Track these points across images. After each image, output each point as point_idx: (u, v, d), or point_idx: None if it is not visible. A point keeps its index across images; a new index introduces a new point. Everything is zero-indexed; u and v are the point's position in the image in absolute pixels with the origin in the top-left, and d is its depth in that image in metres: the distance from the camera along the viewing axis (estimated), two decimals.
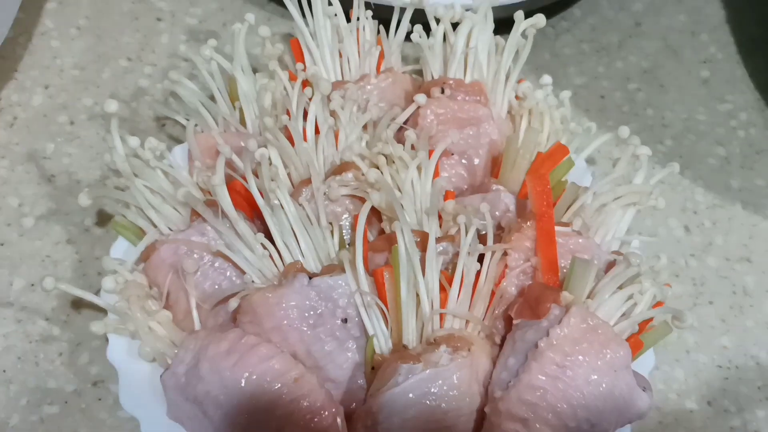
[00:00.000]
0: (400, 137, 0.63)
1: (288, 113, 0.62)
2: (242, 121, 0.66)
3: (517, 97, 0.69)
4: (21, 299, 0.63)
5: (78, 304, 0.63)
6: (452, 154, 0.65)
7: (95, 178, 0.71)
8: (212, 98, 0.67)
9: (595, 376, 0.50)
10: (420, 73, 0.72)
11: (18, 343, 0.61)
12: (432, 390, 0.50)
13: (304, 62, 0.68)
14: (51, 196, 0.69)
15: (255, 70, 0.68)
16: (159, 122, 0.75)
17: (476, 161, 0.65)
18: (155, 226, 0.59)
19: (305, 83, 0.63)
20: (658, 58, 0.87)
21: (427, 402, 0.50)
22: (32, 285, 0.64)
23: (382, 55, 0.70)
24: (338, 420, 0.51)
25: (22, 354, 0.60)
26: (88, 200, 0.59)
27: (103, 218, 0.68)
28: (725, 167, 0.78)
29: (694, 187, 0.77)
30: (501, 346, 0.54)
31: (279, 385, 0.50)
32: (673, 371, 0.65)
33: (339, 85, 0.66)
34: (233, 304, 0.53)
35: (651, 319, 0.57)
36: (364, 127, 0.64)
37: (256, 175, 0.56)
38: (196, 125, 0.65)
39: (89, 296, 0.55)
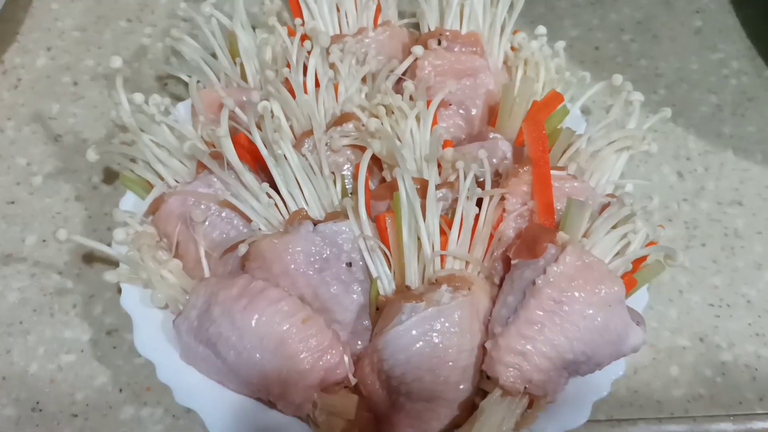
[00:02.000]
0: (398, 89, 0.64)
1: (289, 67, 0.63)
2: (243, 77, 0.67)
3: (512, 48, 0.71)
4: (34, 254, 0.65)
5: (90, 257, 0.65)
6: (450, 105, 0.66)
7: (101, 136, 0.72)
8: (214, 55, 0.68)
9: (591, 311, 0.52)
10: (417, 26, 0.73)
11: (33, 296, 0.63)
12: (434, 327, 0.52)
13: (302, 17, 0.69)
14: (58, 155, 0.71)
15: (254, 27, 0.69)
16: (161, 81, 0.76)
17: (473, 111, 0.67)
18: (162, 179, 0.60)
19: (304, 37, 0.64)
20: (652, 9, 0.88)
21: (430, 338, 0.52)
22: (44, 240, 0.66)
23: (379, 9, 0.71)
24: (345, 358, 0.53)
25: (37, 306, 0.63)
26: (95, 156, 0.61)
27: (110, 175, 0.70)
28: (717, 115, 0.80)
29: (686, 134, 0.78)
30: (500, 286, 0.56)
31: (288, 325, 0.52)
32: (667, 310, 0.67)
33: (338, 38, 0.67)
34: (242, 249, 0.54)
35: (644, 258, 0.59)
36: (363, 79, 0.65)
37: (259, 128, 0.58)
38: (198, 81, 0.66)
39: (102, 247, 0.57)
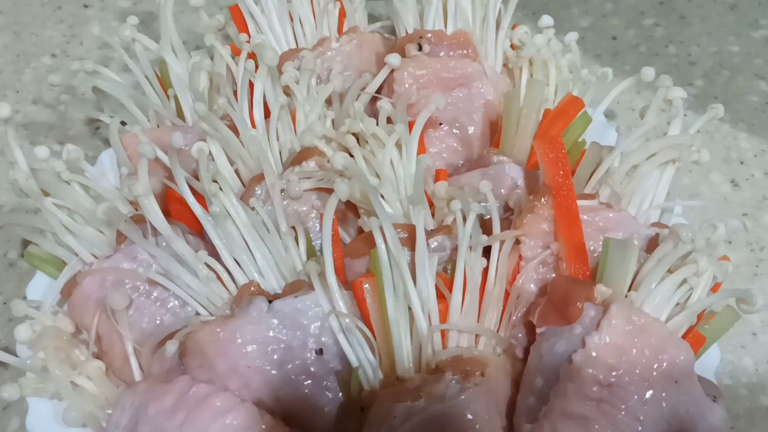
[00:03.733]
0: (373, 111, 0.51)
1: (235, 95, 0.50)
2: (180, 113, 0.54)
3: (512, 46, 0.58)
4: None
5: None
6: (440, 124, 0.53)
7: (17, 202, 0.59)
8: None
9: (652, 392, 0.39)
10: (392, 30, 0.60)
11: None
12: None
13: (248, 32, 0.56)
14: None
15: (198, 48, 0.56)
16: (92, 125, 0.64)
17: (470, 129, 0.53)
18: (76, 254, 0.47)
19: (252, 56, 0.51)
20: None
21: None
22: None
23: (343, 14, 0.58)
24: None
25: None
26: None
27: None
28: None
29: (736, 132, 0.65)
30: (524, 359, 0.42)
31: None
32: (740, 361, 0.54)
33: (292, 54, 0.54)
34: (171, 347, 0.41)
35: None
36: (328, 102, 0.52)
37: (197, 177, 0.45)
38: (124, 123, 0.53)
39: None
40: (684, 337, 0.42)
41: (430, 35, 0.55)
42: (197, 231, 0.48)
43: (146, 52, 0.55)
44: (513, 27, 0.58)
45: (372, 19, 0.64)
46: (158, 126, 0.54)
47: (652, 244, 0.45)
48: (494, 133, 0.54)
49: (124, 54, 0.54)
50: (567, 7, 0.73)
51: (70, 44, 0.69)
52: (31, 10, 0.72)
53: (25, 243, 0.57)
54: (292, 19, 0.57)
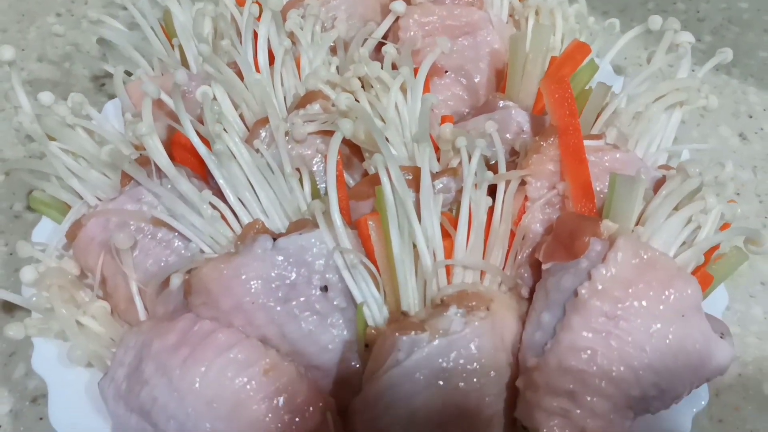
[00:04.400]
0: (378, 58, 0.50)
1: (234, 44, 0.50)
2: (184, 61, 0.54)
3: None
4: None
5: (9, 306, 0.53)
6: (446, 71, 0.53)
7: (23, 154, 0.59)
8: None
9: (659, 325, 0.39)
10: None
11: None
12: (444, 366, 0.39)
13: None
14: None
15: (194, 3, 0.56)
16: (97, 82, 0.64)
17: (476, 78, 0.53)
18: (80, 197, 0.47)
19: (255, 3, 0.51)
20: None
21: (441, 382, 0.38)
22: None
23: None
24: (328, 416, 0.39)
25: None
26: (0, 175, 0.47)
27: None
28: None
29: (745, 86, 0.65)
30: (530, 298, 0.42)
31: (245, 379, 0.39)
32: (749, 309, 0.54)
33: (296, 2, 0.53)
34: (175, 280, 0.41)
35: (717, 247, 0.44)
36: (333, 49, 0.52)
37: (201, 122, 0.44)
38: (129, 73, 0.53)
39: (3, 294, 0.43)
40: (692, 274, 0.42)
41: None
42: (201, 175, 0.48)
43: (151, 3, 0.55)
44: None
45: None
46: (162, 74, 0.54)
47: (658, 186, 0.44)
48: (500, 82, 0.53)
49: (129, 4, 0.54)
50: None
51: (74, 3, 0.69)
52: None
53: (31, 196, 0.57)
54: None
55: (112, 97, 0.62)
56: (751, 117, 0.62)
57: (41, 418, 0.48)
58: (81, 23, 0.67)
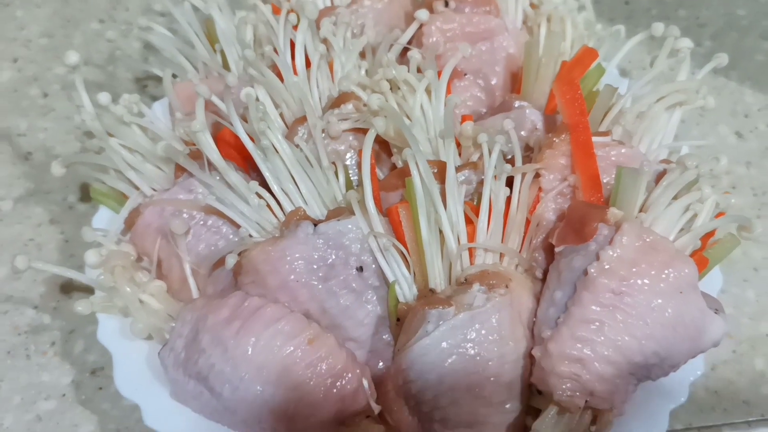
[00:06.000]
0: (403, 61, 0.55)
1: (275, 49, 0.55)
2: (226, 65, 0.59)
3: (532, 4, 0.61)
4: (5, 289, 0.57)
5: (68, 287, 0.57)
6: (465, 74, 0.57)
7: (75, 150, 0.64)
8: (192, 45, 0.60)
9: (660, 301, 0.43)
10: None
11: (6, 336, 0.55)
12: (469, 336, 0.43)
13: None
14: (28, 176, 0.63)
15: (235, 11, 0.61)
16: (140, 83, 0.69)
17: (493, 80, 0.58)
18: (138, 188, 0.52)
19: (291, 12, 0.56)
20: None
21: (465, 351, 0.43)
22: (17, 272, 0.57)
23: None
24: (364, 382, 0.45)
25: (11, 348, 0.55)
26: (62, 169, 0.53)
27: (87, 193, 0.62)
28: None
29: (742, 88, 0.69)
30: (544, 280, 0.47)
31: (291, 348, 0.43)
32: (743, 292, 0.58)
33: (329, 11, 0.58)
34: (230, 261, 0.46)
35: (713, 233, 0.49)
36: (362, 54, 0.57)
37: (245, 120, 0.49)
38: (175, 76, 0.58)
39: (72, 273, 0.49)
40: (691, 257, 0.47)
41: None
42: (243, 169, 0.52)
43: (193, 11, 0.60)
44: None
45: None
46: (206, 77, 0.59)
47: (660, 178, 0.49)
48: (515, 83, 0.58)
49: (175, 11, 0.59)
50: None
51: (115, 10, 0.74)
52: None
53: (83, 188, 0.62)
54: None
55: (154, 97, 0.67)
56: (747, 116, 0.66)
57: (100, 388, 0.53)
58: (122, 28, 0.72)
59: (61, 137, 0.65)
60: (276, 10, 0.59)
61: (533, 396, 0.45)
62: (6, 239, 0.59)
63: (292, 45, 0.55)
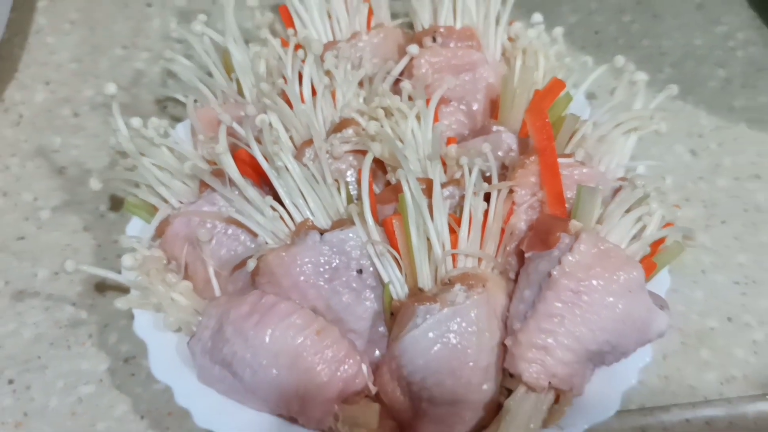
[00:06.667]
0: (396, 90, 0.63)
1: (284, 78, 0.63)
2: (240, 92, 0.67)
3: (509, 38, 0.69)
4: (46, 288, 0.65)
5: (101, 286, 0.65)
6: (450, 101, 0.65)
7: (104, 165, 0.72)
8: (209, 73, 0.68)
9: (611, 299, 0.51)
10: (411, 26, 0.72)
11: (48, 330, 0.63)
12: (451, 328, 0.51)
13: (294, 27, 0.68)
14: (63, 188, 0.71)
15: (247, 42, 0.69)
16: (160, 104, 0.76)
17: (475, 106, 0.65)
18: (166, 201, 0.60)
19: (298, 47, 0.64)
20: None
21: (448, 340, 0.51)
22: (56, 273, 0.66)
23: (371, 12, 0.70)
24: (363, 367, 0.52)
25: (54, 340, 0.62)
26: (99, 184, 0.61)
27: (116, 203, 0.69)
28: (727, 88, 0.78)
29: (697, 111, 0.77)
30: (516, 280, 0.55)
31: (302, 338, 0.51)
32: (692, 293, 0.65)
33: (331, 45, 0.66)
34: (251, 264, 0.54)
35: (663, 241, 0.57)
36: (360, 83, 0.65)
37: (258, 141, 0.57)
38: (195, 101, 0.66)
39: (111, 275, 0.56)
40: (640, 262, 0.55)
41: (442, 30, 0.67)
42: (257, 184, 0.60)
43: (211, 43, 0.68)
44: (510, 23, 0.70)
45: (393, 15, 0.75)
46: (224, 103, 0.67)
47: (616, 193, 0.57)
48: (494, 109, 0.66)
49: (196, 43, 0.67)
50: (559, 5, 0.85)
51: (137, 37, 0.81)
52: (102, 8, 0.84)
53: (113, 199, 0.70)
54: (330, 17, 0.69)
55: (174, 117, 0.75)
56: (700, 137, 0.75)
57: (132, 374, 0.61)
58: (143, 55, 0.80)
59: (92, 153, 0.73)
60: (284, 43, 0.67)
61: (506, 378, 0.52)
62: (46, 244, 0.67)
63: (300, 75, 0.63)
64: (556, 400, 0.51)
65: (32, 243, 0.67)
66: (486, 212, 0.56)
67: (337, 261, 0.54)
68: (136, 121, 0.60)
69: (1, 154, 0.73)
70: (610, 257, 0.51)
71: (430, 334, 0.51)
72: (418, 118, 0.60)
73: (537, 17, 0.69)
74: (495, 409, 0.52)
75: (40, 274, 0.66)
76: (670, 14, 0.84)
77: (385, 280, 0.54)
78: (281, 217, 0.56)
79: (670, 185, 0.57)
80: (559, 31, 0.69)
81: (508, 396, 0.51)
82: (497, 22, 0.69)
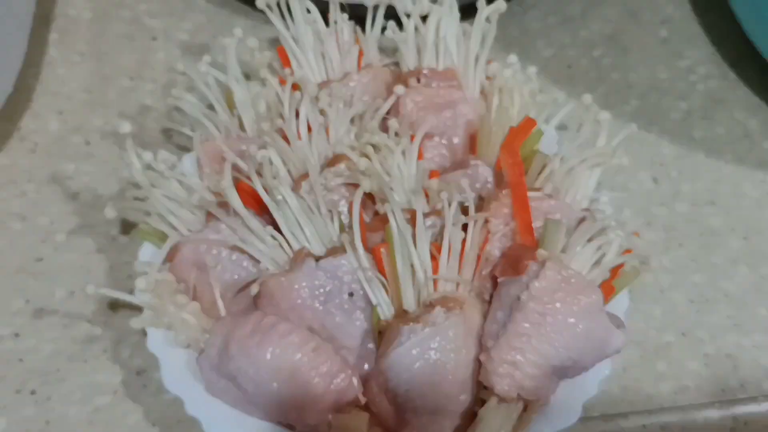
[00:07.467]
0: (384, 126, 0.70)
1: (282, 117, 0.69)
2: (241, 126, 0.73)
3: (487, 77, 0.76)
4: (64, 306, 0.70)
5: (114, 305, 0.70)
6: (433, 137, 0.71)
7: (114, 191, 0.77)
8: (211, 107, 0.74)
9: (572, 320, 0.57)
10: (398, 64, 0.79)
11: (66, 345, 0.68)
12: (432, 345, 0.57)
13: (291, 67, 0.75)
14: (77, 213, 0.76)
15: (247, 76, 0.75)
16: (166, 134, 0.82)
17: (455, 140, 0.72)
18: (176, 229, 0.66)
19: (294, 86, 0.70)
20: (620, 23, 0.93)
21: (429, 357, 0.57)
22: (72, 293, 0.71)
23: (361, 53, 0.77)
24: (354, 380, 0.58)
25: (71, 354, 0.68)
26: (113, 212, 0.66)
27: (126, 227, 0.75)
28: (687, 119, 0.85)
29: (660, 141, 0.83)
30: (490, 302, 0.61)
31: (300, 355, 0.57)
32: (651, 310, 0.71)
33: (325, 84, 0.72)
34: (254, 289, 0.60)
35: (622, 266, 0.64)
36: (352, 120, 0.71)
37: (259, 174, 0.64)
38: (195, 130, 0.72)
39: (127, 297, 0.62)
40: (600, 286, 0.62)
41: (426, 71, 0.73)
42: (258, 212, 0.66)
43: (213, 80, 0.74)
44: (488, 62, 0.77)
45: (381, 50, 0.79)
46: (227, 137, 0.73)
47: (580, 223, 0.64)
48: (473, 143, 0.72)
49: (200, 83, 0.73)
50: (534, 40, 0.91)
51: (143, 69, 0.87)
52: (109, 41, 0.89)
53: (123, 223, 0.76)
54: (323, 57, 0.76)
55: (179, 146, 0.80)
56: (662, 165, 0.81)
57: (144, 386, 0.66)
58: (148, 86, 0.86)
59: (103, 179, 0.78)
60: (282, 81, 0.73)
61: (481, 390, 0.57)
62: (62, 266, 0.73)
63: (297, 111, 0.69)
64: (525, 409, 0.58)
65: (49, 264, 0.73)
66: (464, 241, 0.62)
67: (331, 285, 0.60)
68: (147, 156, 0.66)
69: (18, 180, 0.78)
70: (571, 282, 0.58)
71: (414, 351, 0.57)
72: (403, 153, 0.66)
73: (512, 58, 0.75)
74: (471, 418, 0.58)
75: (57, 293, 0.71)
76: (637, 49, 0.91)
77: (374, 302, 0.60)
78: (280, 245, 0.63)
79: (629, 215, 0.64)
80: (532, 70, 0.75)
81: (482, 406, 0.57)
82: (476, 62, 0.75)
